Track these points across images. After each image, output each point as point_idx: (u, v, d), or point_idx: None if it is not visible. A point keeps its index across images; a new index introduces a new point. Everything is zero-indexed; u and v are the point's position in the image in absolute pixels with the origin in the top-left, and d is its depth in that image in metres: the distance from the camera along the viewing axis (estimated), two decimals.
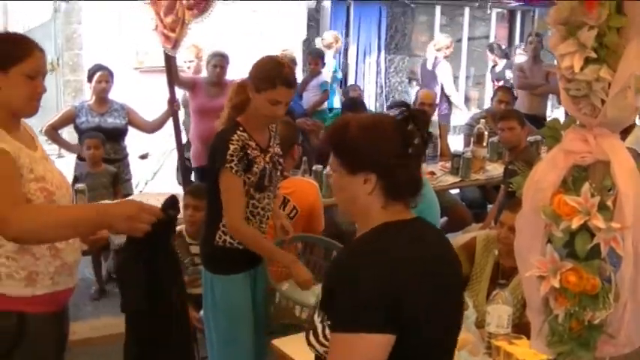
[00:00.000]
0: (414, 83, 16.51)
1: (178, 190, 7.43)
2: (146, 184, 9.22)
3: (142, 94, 7.49)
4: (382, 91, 15.17)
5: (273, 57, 4.15)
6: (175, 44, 6.78)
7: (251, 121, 4.03)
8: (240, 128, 4.01)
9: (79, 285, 3.48)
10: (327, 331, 2.29)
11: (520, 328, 3.59)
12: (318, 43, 11.09)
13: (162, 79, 11.29)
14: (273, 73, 3.93)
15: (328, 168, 6.08)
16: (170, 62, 6.94)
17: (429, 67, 11.14)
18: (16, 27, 11.18)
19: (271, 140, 4.17)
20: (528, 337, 3.32)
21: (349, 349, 2.19)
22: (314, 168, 6.21)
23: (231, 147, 3.92)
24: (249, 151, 3.95)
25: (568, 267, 2.37)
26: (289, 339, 3.79)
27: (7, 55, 3.03)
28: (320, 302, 2.35)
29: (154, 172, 9.51)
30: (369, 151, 2.31)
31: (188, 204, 5.06)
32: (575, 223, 2.31)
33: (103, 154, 6.63)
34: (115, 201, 3.76)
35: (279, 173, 4.21)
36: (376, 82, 15.00)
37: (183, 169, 7.42)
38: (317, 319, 2.34)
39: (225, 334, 4.27)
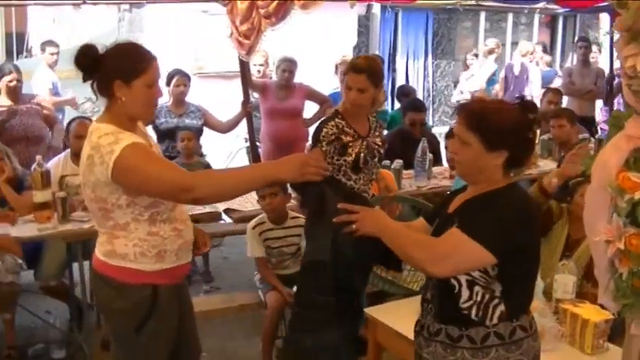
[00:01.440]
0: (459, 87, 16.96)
1: None
2: None
3: (202, 98, 7.91)
4: (429, 95, 15.59)
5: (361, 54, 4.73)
6: (250, 50, 7.33)
7: (349, 110, 4.56)
8: (339, 116, 4.58)
9: None
10: None
11: (581, 296, 4.09)
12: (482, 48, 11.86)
13: (221, 83, 11.90)
14: (348, 63, 4.60)
15: (395, 162, 6.58)
16: (244, 67, 7.47)
17: (516, 72, 11.73)
18: (84, 35, 11.75)
19: (371, 130, 4.66)
20: (590, 302, 3.84)
21: (459, 244, 2.81)
22: (383, 162, 6.66)
23: (324, 130, 4.51)
24: (342, 137, 4.47)
25: (631, 232, 2.88)
26: (381, 307, 4.30)
27: (131, 70, 3.35)
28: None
29: None
30: (510, 134, 2.90)
31: (264, 194, 5.40)
32: (637, 196, 2.84)
33: (195, 146, 7.13)
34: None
35: (376, 159, 4.66)
36: (423, 86, 15.40)
37: None
38: None
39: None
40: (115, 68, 3.35)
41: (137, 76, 3.33)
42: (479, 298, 2.90)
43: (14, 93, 7.15)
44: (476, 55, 12.26)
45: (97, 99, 3.48)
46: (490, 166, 2.93)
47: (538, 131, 7.88)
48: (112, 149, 3.25)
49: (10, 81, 7.12)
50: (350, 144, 4.48)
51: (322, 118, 4.72)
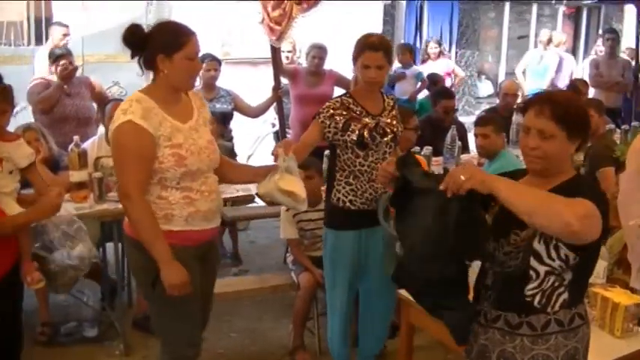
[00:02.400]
0: (483, 77, 17.00)
1: None
2: None
3: (228, 83, 7.97)
4: (453, 85, 15.59)
5: (365, 34, 4.68)
6: (280, 36, 7.36)
7: (360, 90, 4.65)
8: (347, 94, 4.67)
9: None
10: (553, 251, 2.87)
11: (611, 281, 4.16)
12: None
13: (247, 69, 11.96)
14: (360, 42, 4.54)
15: (425, 149, 6.66)
16: (276, 53, 7.54)
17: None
18: (110, 22, 11.86)
19: (385, 110, 4.69)
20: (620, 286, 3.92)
21: (591, 213, 2.71)
22: (413, 149, 6.72)
23: (327, 104, 4.61)
24: (344, 112, 4.52)
25: None
26: None
27: (171, 44, 3.65)
28: None
29: (248, 156, 10.08)
30: (585, 122, 2.94)
31: (307, 175, 5.40)
32: None
33: (218, 129, 7.20)
34: None
35: (387, 139, 4.61)
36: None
37: None
38: (538, 245, 2.90)
39: (329, 280, 4.88)
40: (157, 44, 3.66)
41: (178, 49, 3.64)
42: (547, 286, 2.92)
43: (67, 77, 7.20)
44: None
45: (143, 74, 3.86)
46: (569, 155, 2.95)
47: None
48: (117, 117, 3.66)
49: (64, 65, 7.16)
50: (353, 120, 4.52)
51: None
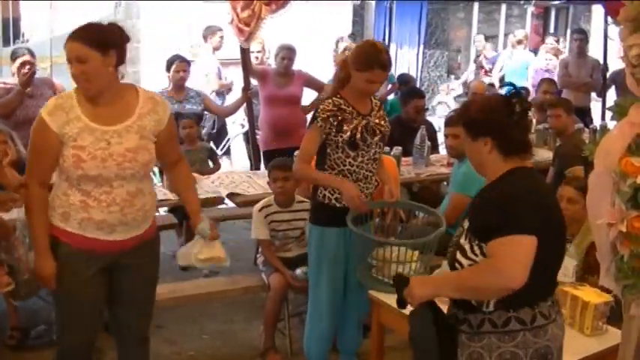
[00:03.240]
0: (452, 77, 17.09)
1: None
2: None
3: (196, 84, 7.97)
4: (422, 85, 15.68)
5: (373, 43, 4.75)
6: (249, 37, 7.38)
7: (351, 92, 4.63)
8: (338, 95, 4.64)
9: None
10: (476, 248, 2.95)
11: (582, 280, 4.22)
12: (511, 38, 12.11)
13: None
14: (372, 57, 4.51)
15: (395, 149, 6.67)
16: (245, 54, 7.54)
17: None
18: (80, 21, 11.77)
19: (373, 111, 4.70)
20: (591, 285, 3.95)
21: (513, 249, 2.82)
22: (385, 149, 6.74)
23: (321, 107, 4.58)
24: (338, 113, 4.52)
25: (633, 215, 2.98)
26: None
27: None
28: (469, 230, 3.01)
29: (219, 157, 10.08)
30: (486, 120, 3.04)
31: (277, 177, 5.52)
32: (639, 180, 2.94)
33: (197, 132, 7.21)
34: None
35: (377, 138, 4.66)
36: (417, 76, 15.49)
37: (256, 152, 8.00)
38: (464, 241, 3.01)
39: (313, 278, 4.87)
40: None
41: None
42: None
43: (27, 82, 7.09)
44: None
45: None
46: (483, 155, 3.07)
47: (534, 121, 8.02)
48: None
49: (23, 64, 7.09)
50: (346, 121, 4.53)
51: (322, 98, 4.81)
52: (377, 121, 4.67)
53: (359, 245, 4.47)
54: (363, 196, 4.52)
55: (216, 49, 9.59)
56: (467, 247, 3.00)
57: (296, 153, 6.70)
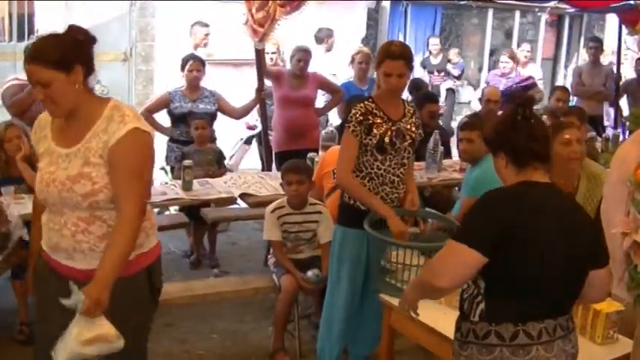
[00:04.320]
0: (465, 83, 17.05)
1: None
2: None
3: (211, 84, 7.97)
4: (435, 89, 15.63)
5: (388, 40, 4.79)
6: (263, 38, 7.42)
7: (382, 95, 4.70)
8: (370, 100, 4.71)
9: None
10: None
11: None
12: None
13: (230, 70, 11.93)
14: (382, 50, 4.67)
15: None
16: (260, 55, 7.57)
17: None
18: (95, 19, 11.82)
19: (405, 117, 4.75)
20: None
21: (446, 252, 2.96)
22: None
23: (352, 111, 4.62)
24: (369, 117, 4.58)
25: None
26: None
27: None
28: None
29: (230, 156, 10.08)
30: (497, 136, 3.17)
31: (291, 180, 5.53)
32: None
33: (209, 133, 7.21)
34: None
35: (406, 143, 4.70)
36: (430, 81, 15.46)
37: (268, 153, 8.01)
38: None
39: (332, 278, 4.89)
40: None
41: None
42: (470, 293, 3.03)
43: None
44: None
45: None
46: (502, 169, 3.14)
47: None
48: None
49: None
50: (376, 125, 4.58)
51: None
52: (408, 127, 4.73)
53: (375, 248, 4.52)
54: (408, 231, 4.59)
55: (197, 45, 9.52)
56: None
57: (310, 155, 6.78)
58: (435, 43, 12.50)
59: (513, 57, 10.33)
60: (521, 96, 3.32)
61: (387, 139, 4.57)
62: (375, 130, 4.56)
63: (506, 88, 9.61)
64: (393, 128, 4.62)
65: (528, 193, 2.99)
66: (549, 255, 2.91)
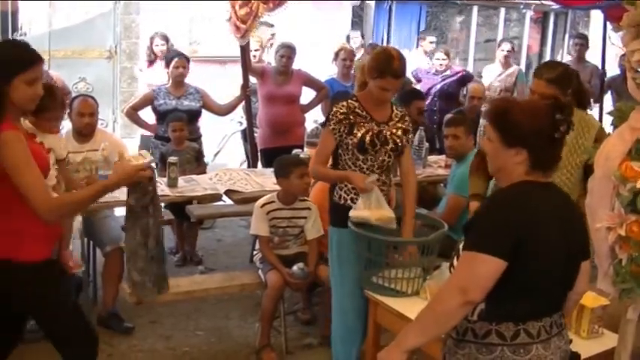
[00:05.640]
0: None
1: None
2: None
3: (195, 81, 7.95)
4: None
5: (386, 49, 4.72)
6: (245, 34, 7.40)
7: (368, 97, 4.64)
8: (354, 98, 4.66)
9: None
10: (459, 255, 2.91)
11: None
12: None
13: (215, 67, 11.93)
14: (383, 65, 4.50)
15: None
16: (245, 52, 7.56)
17: None
18: (79, 16, 11.80)
19: (392, 120, 4.70)
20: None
21: (470, 264, 2.79)
22: None
23: (334, 109, 4.61)
24: (351, 116, 4.55)
25: (632, 219, 3.01)
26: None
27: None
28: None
29: (215, 154, 10.09)
30: (530, 133, 2.84)
31: (304, 172, 5.50)
32: (639, 184, 2.96)
33: (186, 134, 7.16)
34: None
35: (387, 147, 4.63)
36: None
37: (254, 149, 8.00)
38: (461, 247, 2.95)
39: (335, 278, 4.83)
40: None
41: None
42: None
43: None
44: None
45: None
46: (509, 164, 2.91)
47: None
48: None
49: None
50: (357, 125, 4.55)
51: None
52: (393, 130, 4.68)
53: (360, 245, 4.52)
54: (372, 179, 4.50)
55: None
56: (457, 255, 2.98)
57: (294, 151, 6.77)
58: (432, 41, 11.75)
59: (448, 54, 10.10)
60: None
61: (367, 139, 4.54)
62: (355, 130, 4.54)
63: (443, 84, 9.46)
64: (375, 129, 4.59)
65: (533, 194, 2.89)
66: (553, 256, 2.85)
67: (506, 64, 10.34)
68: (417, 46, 12.44)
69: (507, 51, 10.38)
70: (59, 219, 3.76)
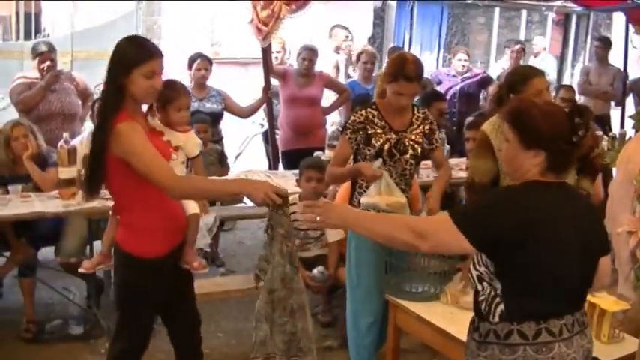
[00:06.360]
0: None
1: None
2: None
3: (217, 83, 7.96)
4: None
5: (402, 54, 4.71)
6: (266, 36, 7.42)
7: (386, 104, 4.60)
8: (373, 106, 4.63)
9: None
10: (478, 257, 2.92)
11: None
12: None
13: (236, 69, 11.94)
14: (397, 68, 4.48)
15: None
16: (267, 53, 7.57)
17: None
18: (101, 18, 11.84)
19: (412, 126, 4.66)
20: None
21: (443, 226, 2.88)
22: None
23: (352, 118, 4.59)
24: (368, 127, 4.53)
25: None
26: None
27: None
28: None
29: (236, 156, 10.10)
30: (548, 136, 2.84)
31: (312, 177, 5.56)
32: None
33: (210, 137, 7.16)
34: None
35: (407, 156, 4.60)
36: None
37: (275, 151, 8.01)
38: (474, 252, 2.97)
39: (351, 280, 4.83)
40: None
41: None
42: (487, 294, 2.94)
43: (53, 82, 7.08)
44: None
45: None
46: (526, 165, 2.91)
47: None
48: None
49: (44, 60, 7.12)
50: (375, 135, 4.52)
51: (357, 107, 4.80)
52: (413, 137, 4.64)
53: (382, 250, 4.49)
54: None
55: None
56: (475, 257, 2.98)
57: (316, 153, 6.77)
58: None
59: (469, 55, 10.04)
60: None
61: (386, 149, 4.51)
62: (373, 141, 4.52)
63: (462, 85, 9.42)
64: (393, 138, 4.55)
65: (541, 194, 2.89)
66: (566, 254, 2.85)
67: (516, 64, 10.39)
68: (445, 61, 12.44)
69: (516, 52, 10.60)
70: (183, 196, 3.90)
